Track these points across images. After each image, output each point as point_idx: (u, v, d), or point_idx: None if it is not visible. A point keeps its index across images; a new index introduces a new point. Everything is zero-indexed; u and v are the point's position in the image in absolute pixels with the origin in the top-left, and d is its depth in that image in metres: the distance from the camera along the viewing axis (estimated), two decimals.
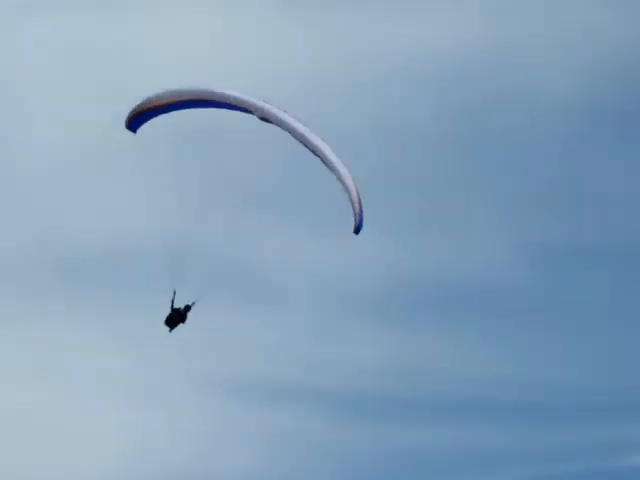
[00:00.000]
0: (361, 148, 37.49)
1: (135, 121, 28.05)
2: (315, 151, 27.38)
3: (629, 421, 41.26)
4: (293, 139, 27.35)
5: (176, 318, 28.34)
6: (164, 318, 28.19)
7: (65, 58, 45.63)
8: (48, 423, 42.95)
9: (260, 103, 27.15)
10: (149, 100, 27.55)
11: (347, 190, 27.82)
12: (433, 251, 44.32)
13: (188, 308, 28.49)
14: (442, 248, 44.52)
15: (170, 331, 28.42)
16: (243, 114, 27.22)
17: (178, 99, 27.59)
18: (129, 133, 28.11)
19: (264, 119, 27.09)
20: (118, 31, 44.97)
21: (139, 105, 27.74)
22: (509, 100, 44.68)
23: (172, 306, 28.22)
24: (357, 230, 28.43)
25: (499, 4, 46.76)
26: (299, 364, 42.88)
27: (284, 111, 27.24)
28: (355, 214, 28.10)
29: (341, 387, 42.93)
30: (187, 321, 28.81)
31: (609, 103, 44.93)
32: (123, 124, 27.64)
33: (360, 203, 28.06)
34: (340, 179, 27.63)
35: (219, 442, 42.75)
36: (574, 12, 47.06)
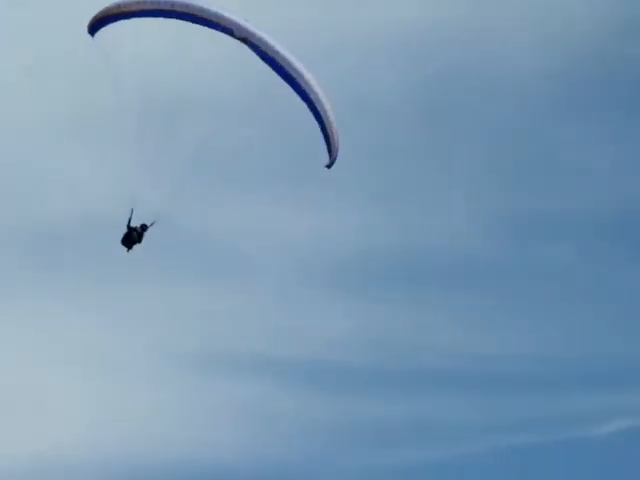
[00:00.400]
0: None
1: (98, 25, 27.25)
2: (296, 78, 26.70)
3: (586, 391, 42.13)
4: (272, 70, 26.40)
5: (134, 237, 27.68)
6: (120, 237, 27.52)
7: None
8: (10, 392, 43.40)
9: (243, 22, 26.28)
10: (118, 5, 26.81)
11: (327, 119, 27.13)
12: (394, 221, 44.73)
13: (145, 227, 27.81)
14: (404, 219, 44.95)
15: (128, 251, 27.74)
16: (220, 33, 26.33)
17: (151, 7, 27.11)
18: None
19: (244, 40, 26.33)
20: None
21: (107, 8, 27.02)
22: (469, 69, 45.01)
23: (129, 224, 27.68)
24: (332, 163, 27.90)
25: None
26: (264, 335, 43.29)
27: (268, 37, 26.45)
28: (332, 145, 27.47)
29: (304, 358, 43.40)
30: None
31: (570, 73, 45.41)
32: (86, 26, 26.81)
33: (337, 135, 27.38)
34: (320, 105, 26.87)
35: (184, 413, 43.18)
36: None
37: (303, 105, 27.15)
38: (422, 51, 44.75)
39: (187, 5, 26.71)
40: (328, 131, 27.31)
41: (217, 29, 26.43)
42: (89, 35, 27.28)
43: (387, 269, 44.63)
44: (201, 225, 42.47)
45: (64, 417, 43.43)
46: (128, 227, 27.54)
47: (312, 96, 27.06)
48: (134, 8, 27.04)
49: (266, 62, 26.79)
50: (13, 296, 43.99)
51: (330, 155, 27.64)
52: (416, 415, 42.42)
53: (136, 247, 27.79)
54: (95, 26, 27.13)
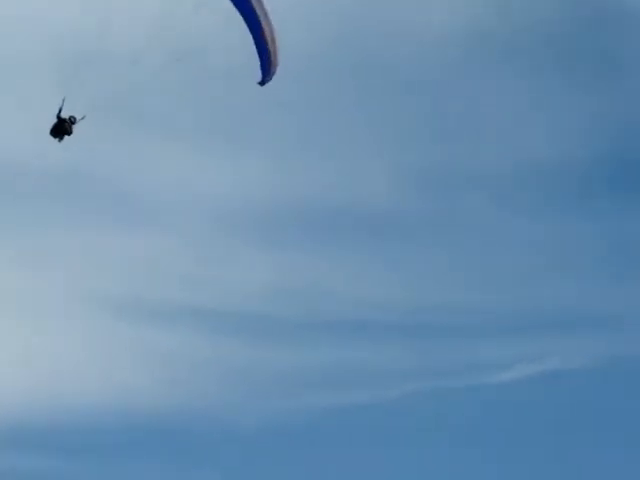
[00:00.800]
0: None
1: None
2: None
3: (495, 339, 43.87)
4: None
5: (65, 127, 27.26)
6: (50, 128, 27.22)
7: None
8: None
9: None
10: None
11: (267, 35, 27.15)
12: (316, 174, 45.45)
13: (74, 120, 27.35)
14: (325, 171, 45.65)
15: (59, 141, 27.32)
16: None
17: None
18: None
19: None
20: None
21: None
22: (389, 28, 45.50)
23: (59, 115, 27.27)
24: (265, 81, 27.92)
25: None
26: (183, 285, 44.26)
27: None
28: (269, 63, 27.39)
29: (225, 307, 44.44)
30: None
31: (489, 32, 46.44)
32: None
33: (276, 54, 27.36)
34: (263, 20, 26.84)
35: (105, 359, 43.97)
36: None
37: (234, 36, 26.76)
38: (348, 10, 45.61)
39: None
40: (268, 47, 27.05)
41: None
42: None
43: (307, 222, 45.63)
44: (120, 173, 43.39)
45: None
46: (58, 117, 27.16)
47: (258, 10, 26.79)
48: None
49: None
50: None
51: (266, 72, 27.45)
52: (335, 362, 43.78)
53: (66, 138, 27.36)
54: None
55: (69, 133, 27.22)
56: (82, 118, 27.11)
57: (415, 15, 45.41)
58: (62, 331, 45.22)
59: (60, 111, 27.04)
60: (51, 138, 27.04)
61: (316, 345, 44.72)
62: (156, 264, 44.54)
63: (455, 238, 46.31)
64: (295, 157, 45.51)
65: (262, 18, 27.15)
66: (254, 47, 27.62)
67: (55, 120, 27.01)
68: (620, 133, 46.56)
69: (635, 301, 44.27)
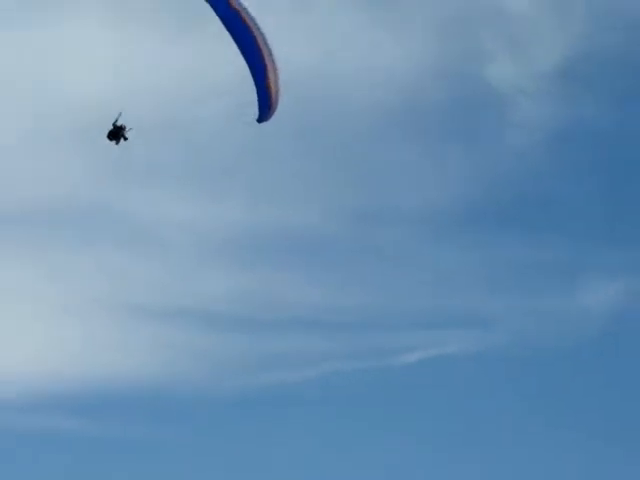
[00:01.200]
0: None
1: None
2: (252, 30, 27.03)
3: (400, 329, 52.85)
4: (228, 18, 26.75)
5: (119, 133, 29.51)
6: (106, 133, 29.50)
7: None
8: None
9: None
10: None
11: (272, 76, 27.46)
12: (271, 209, 54.27)
13: (125, 127, 29.57)
14: (278, 206, 54.35)
15: (117, 144, 29.66)
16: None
17: None
18: None
19: None
20: None
21: None
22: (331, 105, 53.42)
23: (114, 123, 29.48)
24: (263, 120, 28.50)
25: None
26: (172, 289, 53.69)
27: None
28: (270, 102, 27.80)
29: (197, 306, 54.10)
30: None
31: (398, 114, 54.62)
32: None
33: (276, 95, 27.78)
34: (269, 59, 27.30)
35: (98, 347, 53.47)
36: None
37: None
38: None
39: None
40: (271, 87, 27.43)
41: None
42: None
43: (262, 245, 53.65)
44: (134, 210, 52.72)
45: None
46: (114, 125, 29.49)
47: (262, 48, 27.32)
48: None
49: (225, 15, 26.81)
50: None
51: (266, 111, 27.98)
52: (276, 348, 52.88)
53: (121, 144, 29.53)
54: None
55: (125, 138, 29.60)
56: (130, 129, 29.41)
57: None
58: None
59: (116, 120, 29.43)
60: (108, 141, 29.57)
61: (263, 335, 53.00)
62: (150, 275, 53.75)
63: (371, 258, 54.14)
64: (257, 197, 53.68)
65: (267, 57, 27.37)
66: (255, 84, 27.72)
67: (111, 127, 29.40)
68: (492, 181, 54.64)
69: (503, 307, 53.03)
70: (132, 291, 53.62)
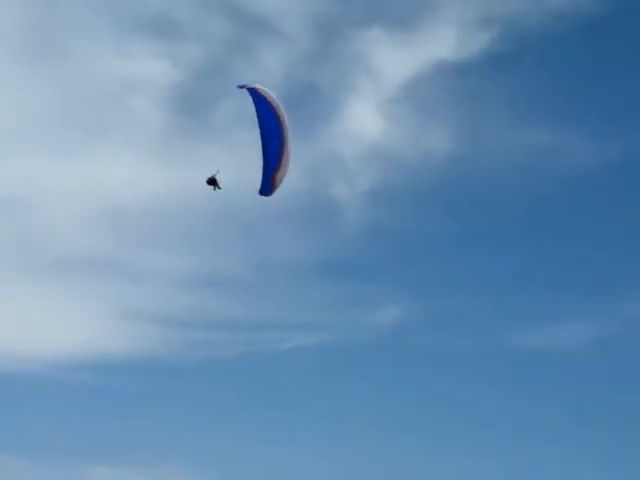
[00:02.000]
0: None
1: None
2: (282, 125, 31.22)
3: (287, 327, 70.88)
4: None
5: (216, 182, 35.16)
6: (206, 181, 35.47)
7: None
8: None
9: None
10: None
11: (284, 164, 30.95)
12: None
13: (215, 178, 35.21)
14: None
15: (214, 189, 35.45)
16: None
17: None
18: None
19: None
20: None
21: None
22: None
23: (212, 177, 35.23)
24: (264, 194, 32.69)
25: None
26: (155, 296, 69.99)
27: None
28: (273, 185, 31.35)
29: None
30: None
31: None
32: None
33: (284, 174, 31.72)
34: (287, 152, 30.93)
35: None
36: None
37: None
38: None
39: None
40: (282, 167, 30.92)
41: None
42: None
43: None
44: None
45: None
46: (212, 177, 35.24)
47: (283, 130, 30.97)
48: None
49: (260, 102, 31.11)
50: None
51: (269, 188, 31.89)
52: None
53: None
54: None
55: (219, 187, 35.48)
56: (217, 172, 35.47)
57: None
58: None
59: (213, 176, 35.31)
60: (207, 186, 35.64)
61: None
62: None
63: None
64: None
65: (287, 139, 30.77)
66: (267, 161, 31.27)
67: (210, 176, 35.20)
68: None
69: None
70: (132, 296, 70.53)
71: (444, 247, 74.12)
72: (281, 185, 31.59)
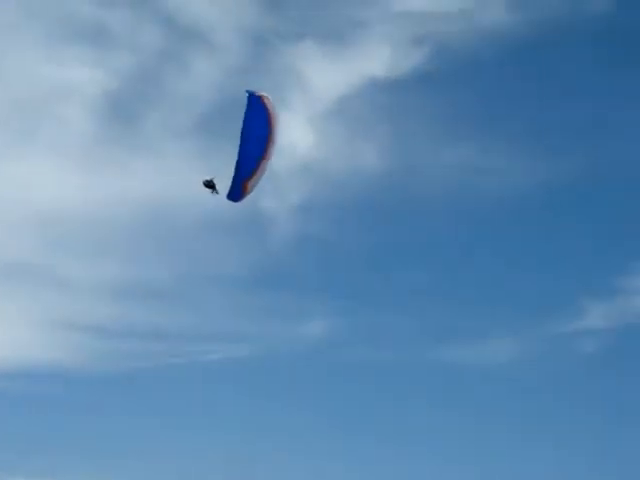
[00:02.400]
0: None
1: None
2: (271, 142, 31.27)
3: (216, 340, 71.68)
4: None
5: (213, 186, 34.33)
6: (203, 183, 34.76)
7: None
8: None
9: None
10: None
11: (258, 176, 30.99)
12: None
13: (212, 181, 34.41)
14: None
15: (212, 192, 34.52)
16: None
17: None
18: None
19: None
20: None
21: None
22: None
23: (210, 180, 34.47)
24: (232, 199, 32.64)
25: None
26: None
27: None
28: (243, 191, 31.40)
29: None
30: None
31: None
32: None
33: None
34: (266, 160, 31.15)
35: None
36: None
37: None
38: None
39: None
40: (254, 177, 31.07)
41: None
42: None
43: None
44: None
45: None
46: (208, 181, 34.57)
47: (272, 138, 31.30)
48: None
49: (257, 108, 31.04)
50: None
51: (239, 194, 31.93)
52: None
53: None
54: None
55: (217, 192, 34.57)
56: (214, 177, 34.61)
57: None
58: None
59: (212, 179, 34.62)
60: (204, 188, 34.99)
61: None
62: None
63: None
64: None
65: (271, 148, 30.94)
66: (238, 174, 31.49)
67: (207, 179, 34.61)
68: None
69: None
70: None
71: (372, 262, 75.04)
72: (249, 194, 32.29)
